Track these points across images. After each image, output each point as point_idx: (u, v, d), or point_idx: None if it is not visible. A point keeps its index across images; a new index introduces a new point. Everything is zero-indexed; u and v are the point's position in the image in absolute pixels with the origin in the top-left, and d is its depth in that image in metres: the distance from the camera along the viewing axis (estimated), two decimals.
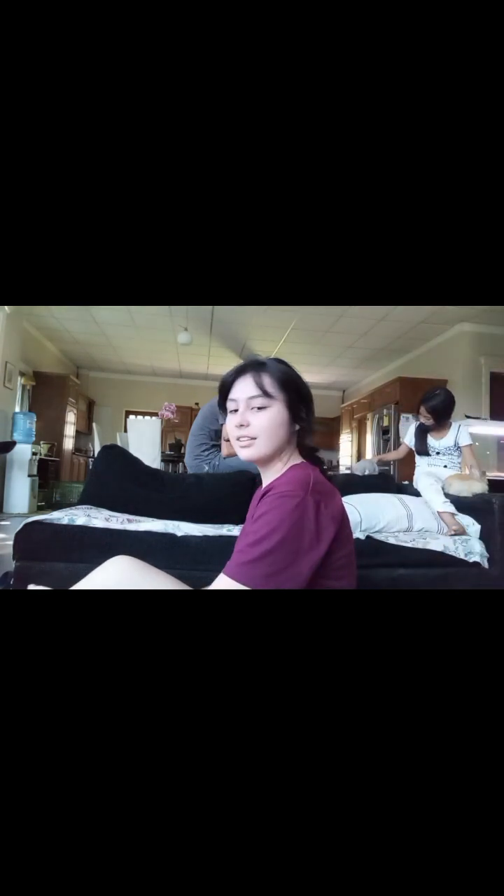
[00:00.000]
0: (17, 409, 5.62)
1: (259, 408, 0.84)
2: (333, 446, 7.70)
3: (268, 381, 0.84)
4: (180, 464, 5.01)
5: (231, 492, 1.79)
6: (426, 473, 2.17)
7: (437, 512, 1.95)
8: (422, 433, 2.40)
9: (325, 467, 0.92)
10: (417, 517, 1.89)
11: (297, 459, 0.89)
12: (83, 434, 7.41)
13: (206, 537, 1.61)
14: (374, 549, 1.70)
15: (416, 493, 2.10)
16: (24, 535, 1.53)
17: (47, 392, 6.40)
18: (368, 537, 1.75)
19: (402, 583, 1.68)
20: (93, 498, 1.78)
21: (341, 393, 8.47)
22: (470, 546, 1.81)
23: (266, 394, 0.83)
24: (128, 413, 7.76)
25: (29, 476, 4.98)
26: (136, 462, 1.87)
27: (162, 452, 4.52)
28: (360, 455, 6.80)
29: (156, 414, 4.85)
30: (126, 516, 1.66)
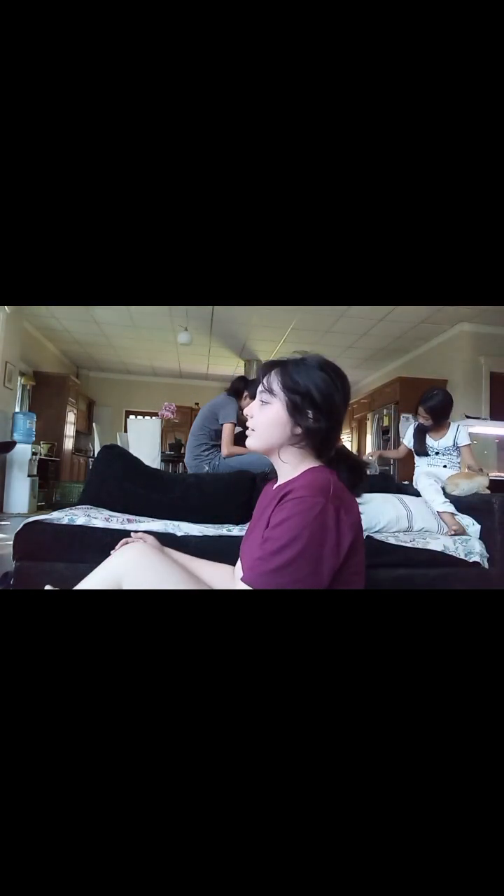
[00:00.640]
0: (17, 409, 5.62)
1: (263, 403, 0.87)
2: None
3: (274, 380, 0.86)
4: (180, 464, 5.01)
5: (231, 492, 1.79)
6: (426, 473, 2.17)
7: (437, 512, 1.95)
8: (420, 433, 2.41)
9: (366, 470, 0.92)
10: (417, 517, 1.89)
11: (312, 462, 0.87)
12: (83, 434, 7.42)
13: (206, 537, 1.61)
14: (374, 549, 1.70)
15: (416, 493, 2.10)
16: (24, 535, 1.54)
17: (47, 392, 6.41)
18: (368, 537, 1.75)
19: (402, 583, 1.68)
20: (93, 498, 1.78)
21: None
22: (470, 546, 1.81)
23: (269, 391, 0.86)
24: (128, 413, 7.78)
25: (29, 476, 4.98)
26: (136, 462, 1.87)
27: (162, 452, 4.52)
28: (359, 455, 6.81)
29: (156, 414, 4.86)
30: (126, 516, 1.66)
